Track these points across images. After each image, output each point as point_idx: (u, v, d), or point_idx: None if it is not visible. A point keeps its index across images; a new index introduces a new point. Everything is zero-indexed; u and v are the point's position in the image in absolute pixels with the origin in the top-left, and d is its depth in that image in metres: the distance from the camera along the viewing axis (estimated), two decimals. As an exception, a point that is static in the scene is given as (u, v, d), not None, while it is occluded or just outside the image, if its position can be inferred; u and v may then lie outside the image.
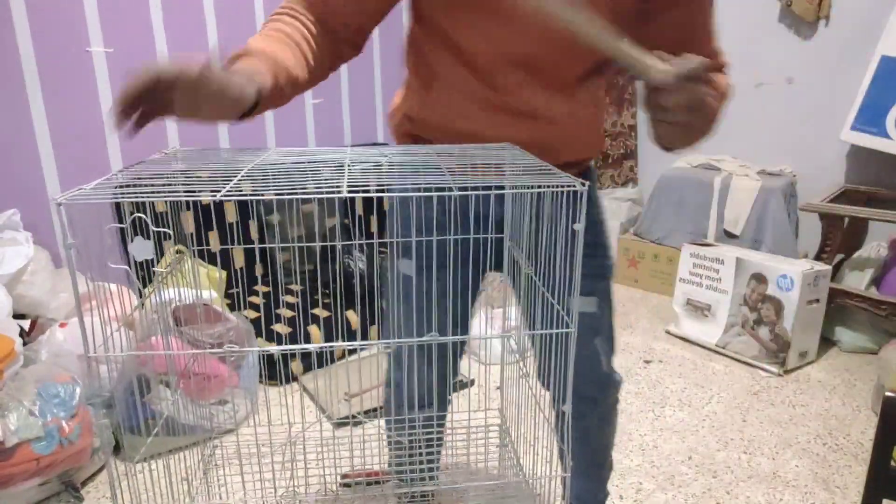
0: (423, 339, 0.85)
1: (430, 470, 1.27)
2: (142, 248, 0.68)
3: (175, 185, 0.70)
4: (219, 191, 0.63)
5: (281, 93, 0.83)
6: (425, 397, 1.11)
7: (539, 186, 0.70)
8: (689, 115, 0.71)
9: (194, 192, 0.66)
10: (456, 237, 1.04)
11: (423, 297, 1.03)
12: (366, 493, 1.60)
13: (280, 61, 0.82)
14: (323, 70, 0.92)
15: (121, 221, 2.25)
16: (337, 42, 0.93)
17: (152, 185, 0.69)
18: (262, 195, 0.64)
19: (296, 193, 0.64)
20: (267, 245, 2.63)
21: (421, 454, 1.23)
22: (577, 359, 0.99)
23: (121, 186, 0.69)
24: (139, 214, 0.73)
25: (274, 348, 0.76)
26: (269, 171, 0.75)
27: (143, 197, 0.64)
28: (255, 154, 0.88)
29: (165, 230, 0.80)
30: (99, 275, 2.22)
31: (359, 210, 2.96)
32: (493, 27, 0.88)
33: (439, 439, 1.25)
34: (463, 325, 1.10)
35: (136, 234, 0.73)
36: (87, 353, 0.66)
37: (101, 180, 0.69)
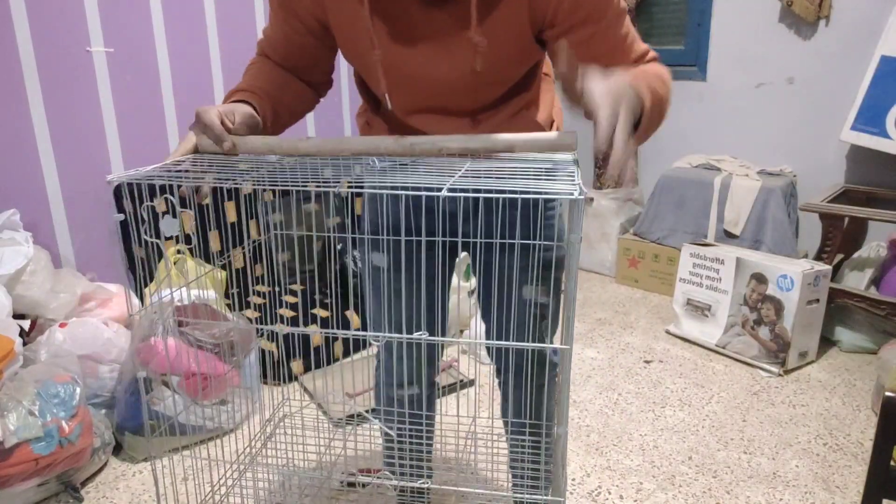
0: (413, 336, 0.85)
1: (428, 468, 1.29)
2: (170, 225, 0.77)
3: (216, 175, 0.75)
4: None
5: (274, 116, 1.00)
6: (413, 375, 1.23)
7: (530, 193, 0.68)
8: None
9: (235, 181, 0.74)
10: (433, 238, 1.14)
11: (395, 285, 1.15)
12: (363, 491, 1.60)
13: (267, 91, 1.00)
14: (305, 96, 1.10)
15: (124, 219, 2.25)
16: (303, 81, 1.10)
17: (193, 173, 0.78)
18: (305, 186, 0.72)
19: (327, 186, 0.67)
20: (265, 242, 2.63)
21: (412, 449, 1.28)
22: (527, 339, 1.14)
23: (170, 171, 0.79)
24: (168, 196, 0.80)
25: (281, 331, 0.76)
26: (298, 165, 0.83)
27: (198, 182, 0.75)
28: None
29: (186, 209, 0.88)
30: (101, 275, 2.22)
31: (359, 210, 2.95)
32: (385, 84, 1.00)
33: (429, 435, 1.32)
34: (439, 308, 1.20)
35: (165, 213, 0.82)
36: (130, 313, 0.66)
37: (156, 166, 0.81)
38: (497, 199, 1.06)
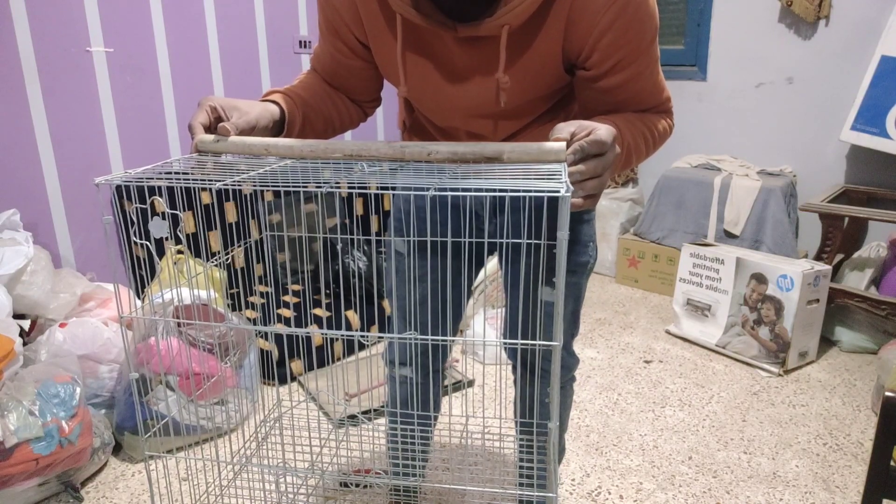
0: (405, 336, 0.85)
1: (423, 467, 1.30)
2: (159, 227, 0.74)
3: (209, 177, 0.75)
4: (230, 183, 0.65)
5: (304, 120, 1.01)
6: (406, 356, 1.23)
7: (518, 191, 0.69)
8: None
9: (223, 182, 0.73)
10: (457, 239, 1.14)
11: (419, 274, 1.15)
12: (358, 491, 1.60)
13: (303, 98, 1.01)
14: (348, 111, 1.12)
15: (122, 219, 2.26)
16: (351, 100, 1.13)
17: (186, 176, 0.77)
18: (306, 186, 0.72)
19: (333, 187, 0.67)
20: (260, 242, 2.63)
21: (414, 448, 1.28)
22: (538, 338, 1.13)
23: (165, 174, 0.77)
24: (156, 197, 0.80)
25: (281, 329, 0.76)
26: (288, 169, 0.83)
27: (188, 183, 0.72)
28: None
29: (177, 212, 0.84)
30: (99, 275, 2.23)
31: (359, 210, 2.95)
32: (426, 102, 1.03)
33: (428, 432, 1.33)
34: (455, 304, 1.19)
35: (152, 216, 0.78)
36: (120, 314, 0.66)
37: (145, 168, 0.77)
38: (508, 199, 1.08)
